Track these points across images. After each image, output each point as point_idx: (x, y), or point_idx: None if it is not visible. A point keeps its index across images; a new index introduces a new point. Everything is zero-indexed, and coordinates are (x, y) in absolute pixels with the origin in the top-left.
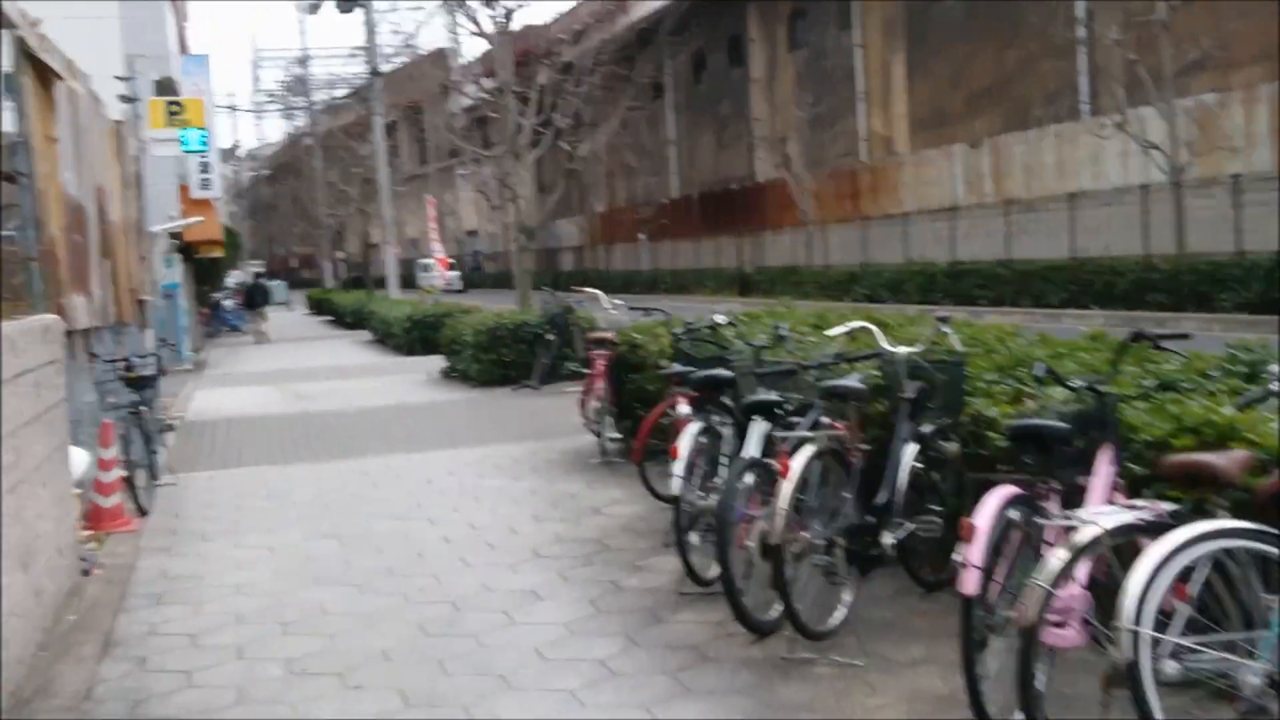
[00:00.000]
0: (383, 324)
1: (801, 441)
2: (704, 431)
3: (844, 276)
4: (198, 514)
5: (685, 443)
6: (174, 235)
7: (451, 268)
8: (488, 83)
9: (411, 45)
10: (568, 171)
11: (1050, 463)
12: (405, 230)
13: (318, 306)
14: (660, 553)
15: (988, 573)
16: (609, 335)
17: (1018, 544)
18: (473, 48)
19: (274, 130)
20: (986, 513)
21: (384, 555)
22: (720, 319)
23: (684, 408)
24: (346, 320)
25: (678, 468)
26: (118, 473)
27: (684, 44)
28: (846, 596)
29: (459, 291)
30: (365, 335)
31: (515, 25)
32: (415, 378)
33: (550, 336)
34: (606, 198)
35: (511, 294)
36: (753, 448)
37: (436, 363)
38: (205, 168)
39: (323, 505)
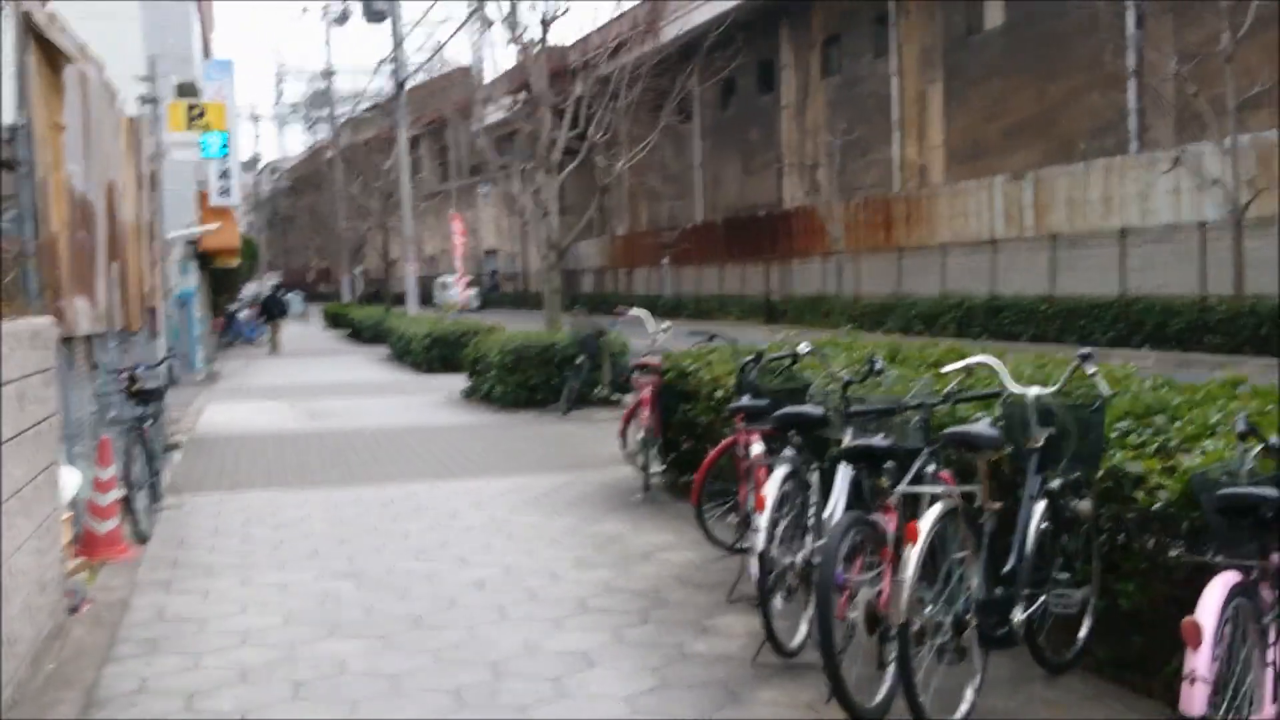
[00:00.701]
0: (401, 340)
1: (905, 497)
2: (790, 477)
3: (875, 307)
4: (202, 543)
5: (772, 491)
6: (190, 242)
7: (470, 286)
8: (519, 95)
9: (439, 55)
10: (601, 189)
11: (1267, 540)
12: (424, 248)
13: (334, 321)
14: (725, 610)
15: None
16: (655, 361)
17: (1230, 641)
18: (499, 63)
19: (295, 143)
20: (1211, 608)
21: (409, 601)
22: (804, 348)
23: (758, 447)
24: (364, 335)
25: (762, 519)
26: (116, 495)
27: (721, 65)
28: (973, 683)
29: (475, 310)
30: (382, 351)
31: (550, 39)
32: (435, 397)
33: (580, 360)
34: (628, 220)
35: (530, 314)
36: (839, 498)
37: (456, 382)
38: (225, 175)
39: (339, 538)
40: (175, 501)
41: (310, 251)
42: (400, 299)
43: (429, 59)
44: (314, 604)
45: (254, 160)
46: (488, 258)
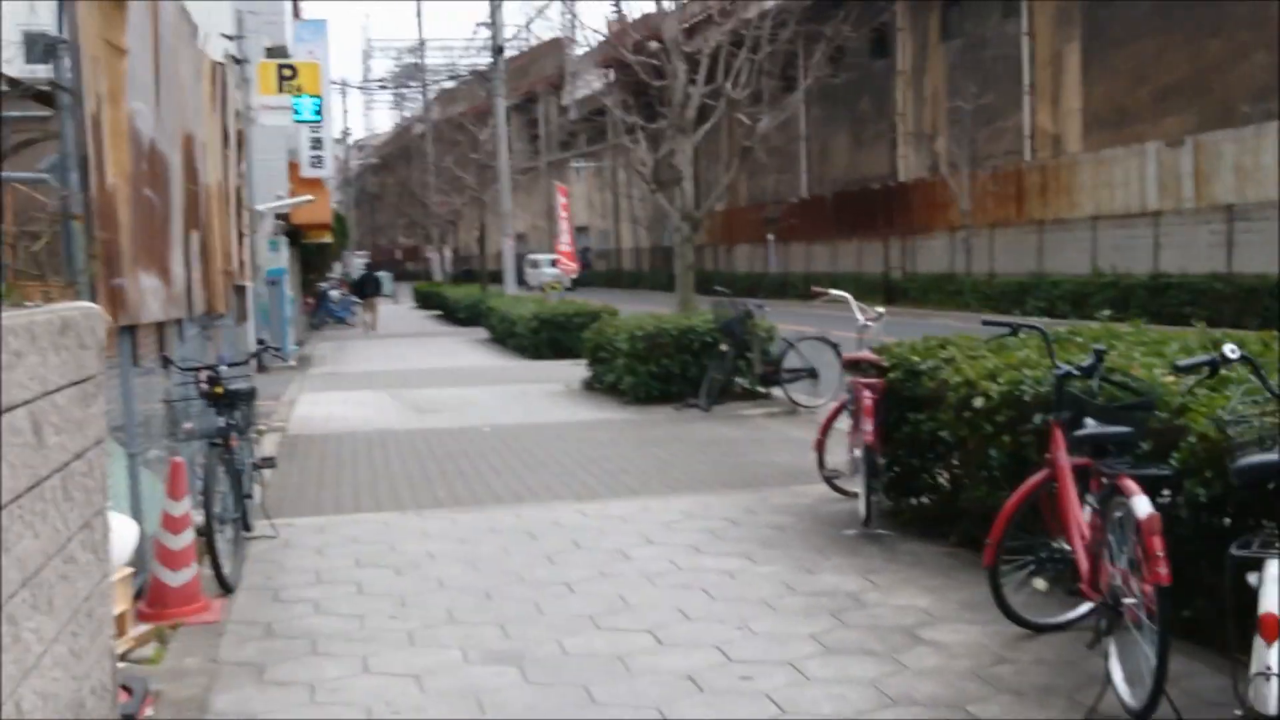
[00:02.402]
0: (504, 322)
1: None
2: None
3: (1012, 287)
4: (304, 595)
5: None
6: (280, 216)
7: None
8: (649, 45)
9: (536, 19)
10: (743, 150)
11: None
12: (514, 225)
13: (425, 300)
14: None
15: None
16: (871, 356)
17: None
18: (591, 33)
19: (383, 121)
20: None
21: (601, 711)
22: (1231, 351)
23: (1144, 505)
24: (458, 316)
25: (1272, 656)
26: (191, 535)
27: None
28: None
29: (567, 290)
30: (480, 333)
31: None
32: (551, 388)
33: (724, 347)
34: (727, 194)
35: (626, 293)
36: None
37: (571, 370)
38: (317, 144)
39: (481, 590)
40: (268, 530)
41: (398, 230)
42: (496, 277)
43: (529, 21)
44: (467, 709)
45: (344, 135)
46: (579, 235)
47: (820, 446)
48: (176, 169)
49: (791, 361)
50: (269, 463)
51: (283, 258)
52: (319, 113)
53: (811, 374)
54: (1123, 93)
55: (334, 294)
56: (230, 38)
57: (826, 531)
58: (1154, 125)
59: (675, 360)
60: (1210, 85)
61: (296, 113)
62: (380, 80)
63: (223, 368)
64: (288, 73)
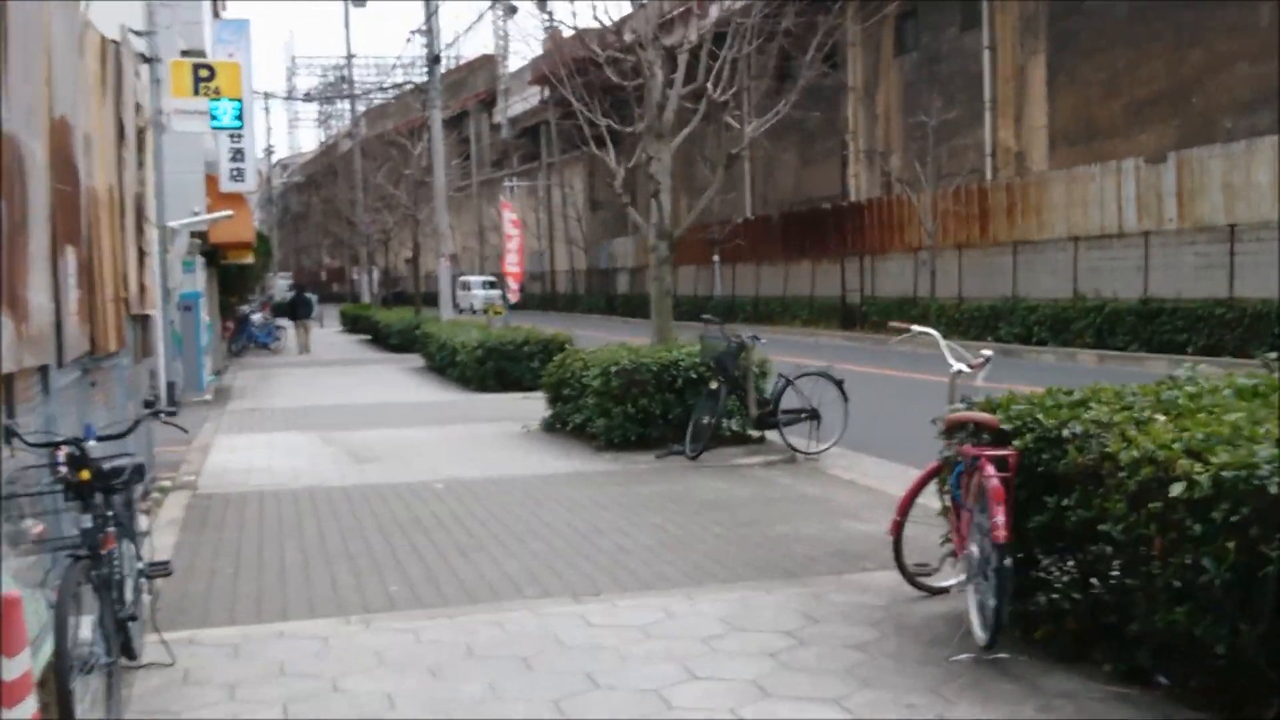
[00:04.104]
0: (443, 350)
1: None
2: None
3: (983, 311)
4: None
5: None
6: (197, 234)
7: (494, 286)
8: (620, 39)
9: (470, 30)
10: (729, 157)
11: None
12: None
13: (353, 324)
14: None
15: None
16: (988, 418)
17: None
18: (522, 49)
19: (309, 139)
20: None
21: None
22: None
23: None
24: (390, 342)
25: None
26: (34, 705)
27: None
28: None
29: (511, 309)
30: (415, 361)
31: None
32: (507, 429)
33: (714, 385)
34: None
35: (561, 316)
36: None
37: (523, 406)
38: (238, 155)
39: None
40: (160, 654)
41: (323, 250)
42: (427, 299)
43: (467, 29)
44: None
45: (268, 152)
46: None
47: (898, 530)
48: (38, 163)
49: (790, 401)
50: (161, 569)
51: (199, 279)
52: (240, 118)
53: (813, 415)
54: (1092, 107)
55: (256, 317)
56: (140, 34)
57: (928, 655)
58: (1127, 141)
59: (655, 400)
60: (1188, 99)
61: (214, 118)
62: (307, 92)
63: (90, 441)
64: (204, 73)
